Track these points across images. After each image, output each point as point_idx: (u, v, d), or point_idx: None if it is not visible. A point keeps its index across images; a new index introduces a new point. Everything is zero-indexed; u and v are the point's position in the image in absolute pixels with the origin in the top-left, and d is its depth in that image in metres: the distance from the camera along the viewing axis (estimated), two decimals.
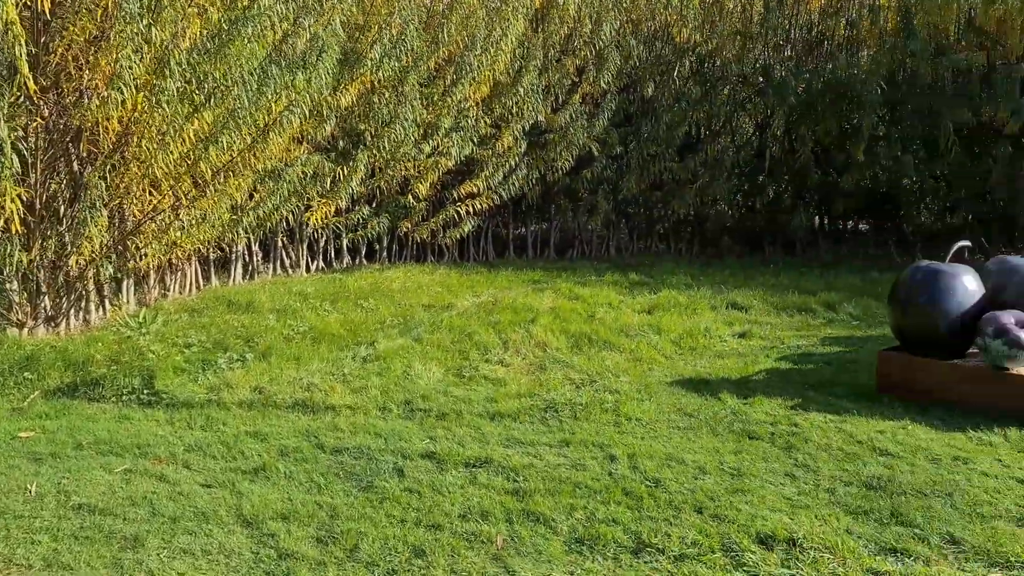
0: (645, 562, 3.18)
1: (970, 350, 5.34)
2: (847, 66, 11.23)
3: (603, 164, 11.00)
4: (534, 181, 10.57)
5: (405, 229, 10.15)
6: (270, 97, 6.90)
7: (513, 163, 10.13)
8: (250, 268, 9.46)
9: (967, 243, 5.82)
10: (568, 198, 11.68)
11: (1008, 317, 4.94)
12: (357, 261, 10.51)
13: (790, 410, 5.08)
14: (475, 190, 10.00)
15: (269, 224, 8.41)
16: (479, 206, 10.08)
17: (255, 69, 6.78)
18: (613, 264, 11.08)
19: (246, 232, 8.18)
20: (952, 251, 5.56)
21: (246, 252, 9.42)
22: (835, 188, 11.90)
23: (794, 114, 11.50)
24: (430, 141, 9.50)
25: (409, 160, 9.46)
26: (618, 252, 12.30)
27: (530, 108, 10.13)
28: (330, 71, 7.59)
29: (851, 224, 13.46)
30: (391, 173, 9.45)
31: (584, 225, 11.64)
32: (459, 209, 10.13)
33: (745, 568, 3.10)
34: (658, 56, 11.42)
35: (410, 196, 9.82)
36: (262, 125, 6.99)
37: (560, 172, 10.65)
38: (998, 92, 10.52)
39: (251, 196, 8.23)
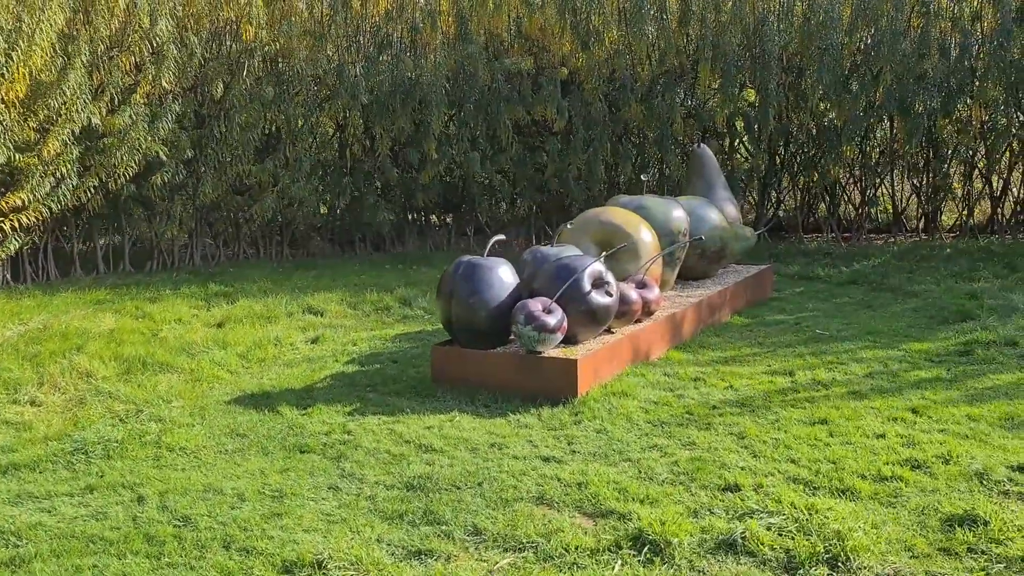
0: None
1: (512, 337, 5.71)
2: (414, 67, 11.63)
3: (174, 169, 10.31)
4: (93, 189, 9.61)
5: None
6: None
7: (65, 171, 9.11)
8: None
9: (502, 237, 6.22)
10: (142, 207, 10.82)
11: (536, 304, 5.34)
12: None
13: (347, 416, 5.07)
14: (20, 202, 8.85)
15: None
16: (26, 220, 8.93)
17: None
18: (195, 275, 10.47)
19: None
20: (488, 246, 5.91)
21: None
22: (415, 184, 12.32)
23: (369, 114, 11.68)
24: None
25: None
26: (204, 261, 11.67)
27: (80, 110, 9.16)
28: None
29: (438, 218, 14.04)
30: None
31: (162, 235, 10.86)
32: (2, 225, 8.90)
33: None
34: (227, 55, 10.95)
35: None
36: None
37: (124, 179, 9.79)
38: (544, 93, 11.54)
39: None
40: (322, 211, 12.80)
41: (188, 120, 10.74)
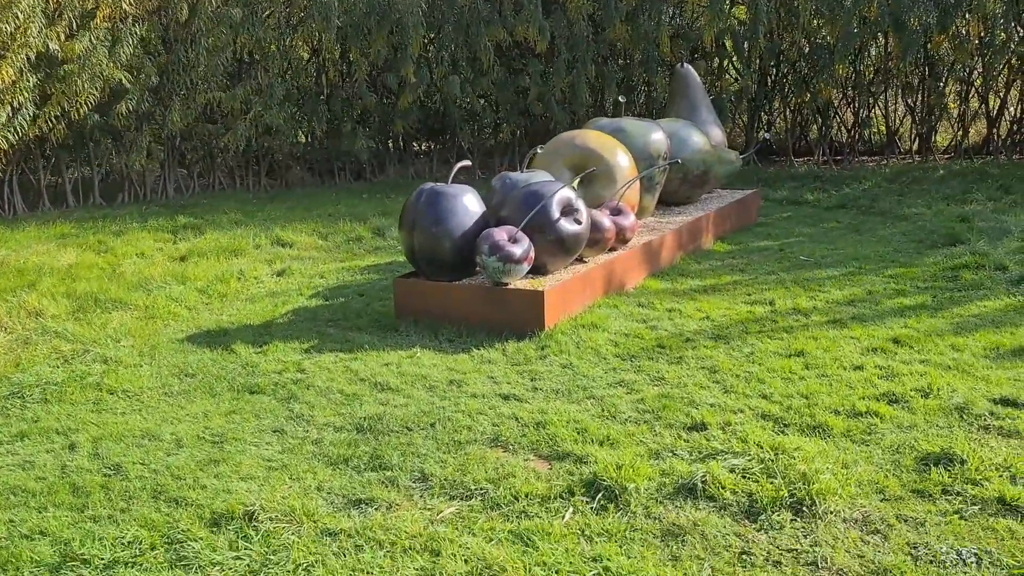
0: None
1: (478, 268, 5.46)
2: None
3: (138, 97, 9.91)
4: (54, 119, 9.24)
5: None
6: None
7: (21, 99, 8.73)
8: None
9: (467, 163, 5.92)
10: (110, 137, 10.45)
11: (501, 233, 5.08)
12: None
13: (303, 353, 4.85)
14: None
15: None
16: None
17: None
18: (166, 207, 10.17)
19: None
20: (453, 172, 5.61)
21: None
22: (393, 110, 11.93)
23: (345, 37, 11.23)
24: None
25: None
26: (177, 193, 11.35)
27: (35, 35, 8.74)
28: None
29: (419, 145, 13.67)
30: None
31: (131, 166, 10.52)
32: None
33: (185, 562, 2.76)
34: None
35: None
36: None
37: (86, 108, 9.41)
38: (525, 13, 11.07)
39: None
40: (300, 139, 12.44)
41: (153, 45, 10.31)
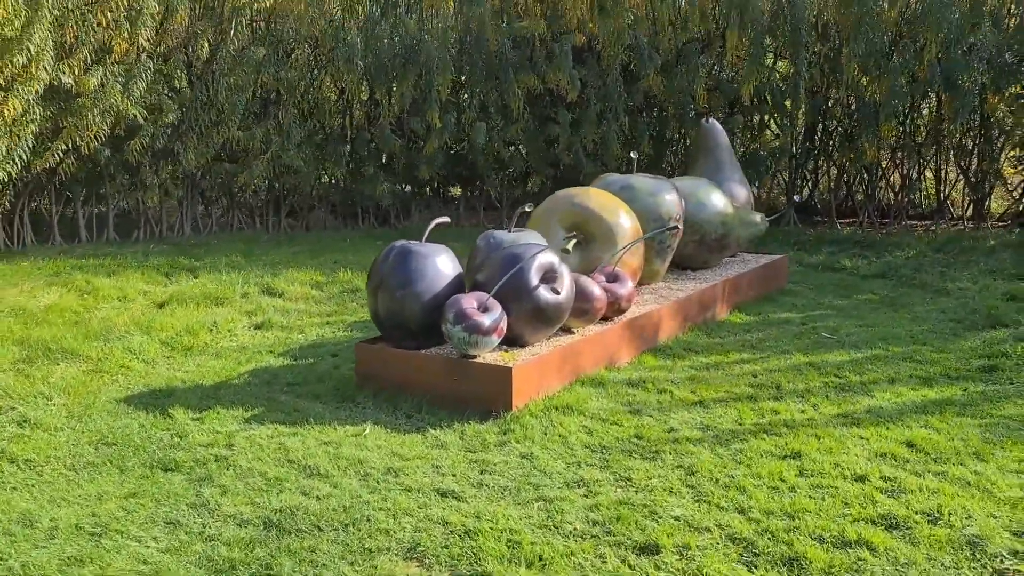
0: None
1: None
2: (418, 29, 10.85)
3: (151, 133, 9.71)
4: (61, 153, 9.06)
5: None
6: None
7: (28, 132, 8.56)
8: None
9: (445, 220, 5.46)
10: (125, 173, 10.27)
11: (469, 301, 4.59)
12: None
13: (242, 424, 4.39)
14: None
15: None
16: None
17: None
18: (175, 246, 9.90)
19: None
20: (428, 230, 5.15)
21: None
22: (418, 155, 11.59)
23: (370, 79, 10.97)
24: None
25: None
26: (194, 231, 11.11)
27: (47, 67, 8.59)
28: None
29: (444, 192, 13.31)
30: None
31: (144, 203, 10.31)
32: None
33: None
34: (211, 11, 10.29)
35: None
36: None
37: (97, 143, 9.22)
38: (557, 60, 10.68)
39: None
40: (323, 180, 12.16)
41: (175, 82, 10.15)
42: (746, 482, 3.70)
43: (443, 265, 4.87)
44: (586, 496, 3.59)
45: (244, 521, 3.36)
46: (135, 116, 9.44)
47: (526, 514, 3.41)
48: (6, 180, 8.59)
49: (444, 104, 11.05)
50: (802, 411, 4.62)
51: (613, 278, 5.49)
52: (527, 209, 5.38)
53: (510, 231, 5.35)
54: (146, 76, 9.37)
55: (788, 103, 10.71)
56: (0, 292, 7.09)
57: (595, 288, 5.15)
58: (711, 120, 7.97)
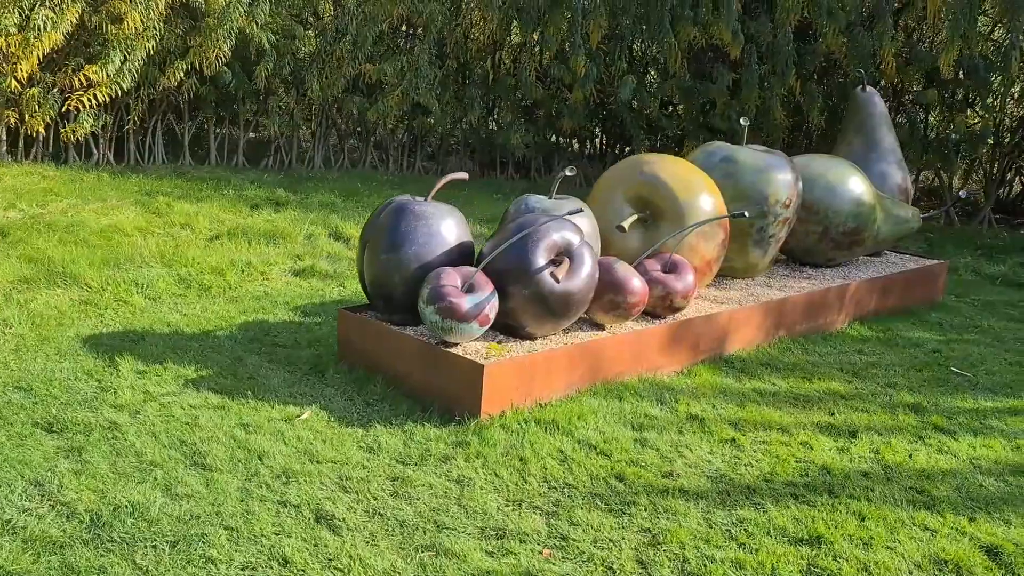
0: None
1: None
2: None
3: (275, 59, 9.40)
4: (183, 73, 8.91)
5: (11, 120, 8.38)
6: None
7: (148, 48, 8.44)
8: None
9: (463, 175, 4.60)
10: (255, 99, 10.08)
11: (452, 277, 3.76)
12: None
13: (180, 386, 3.83)
14: (94, 78, 8.29)
15: None
16: (100, 97, 8.38)
17: None
18: (293, 177, 9.63)
19: None
20: (438, 185, 4.31)
21: None
22: (563, 105, 10.71)
23: (514, 18, 10.15)
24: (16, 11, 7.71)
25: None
26: (325, 165, 10.84)
27: None
28: None
29: (590, 144, 12.33)
30: None
31: (269, 130, 10.11)
32: (82, 99, 8.40)
33: None
34: None
35: (12, 80, 8.04)
36: None
37: (217, 65, 9.01)
38: (723, 10, 9.39)
39: None
40: (465, 125, 11.53)
41: (309, 8, 9.79)
42: (723, 570, 2.70)
43: (445, 230, 4.07)
44: (491, 555, 2.73)
45: (72, 514, 2.77)
46: (260, 40, 9.14)
47: (395, 568, 2.61)
48: (126, 94, 8.53)
49: (593, 53, 10.06)
50: (861, 473, 3.48)
51: (671, 267, 4.47)
52: (568, 173, 4.43)
53: (551, 198, 4.45)
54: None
55: (997, 79, 8.90)
56: (80, 206, 6.96)
57: (633, 278, 4.16)
58: (869, 89, 6.57)
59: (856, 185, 5.82)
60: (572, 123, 10.72)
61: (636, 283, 4.17)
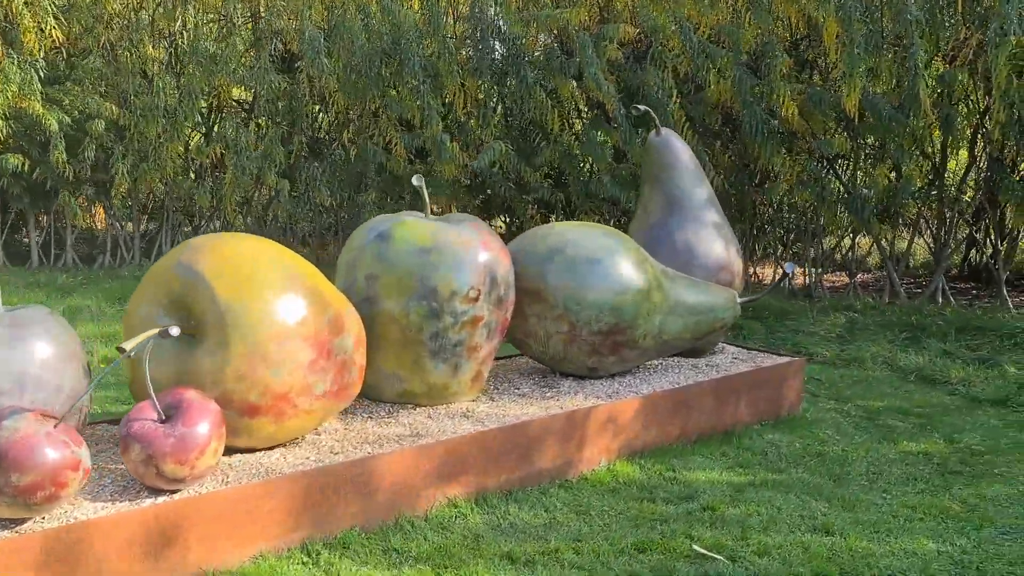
0: None
1: None
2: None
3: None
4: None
5: None
6: None
7: None
8: None
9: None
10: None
11: None
12: None
13: None
14: None
15: None
16: None
17: None
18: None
19: None
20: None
21: None
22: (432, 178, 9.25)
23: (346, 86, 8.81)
24: None
25: None
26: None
27: None
28: None
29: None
30: None
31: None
32: None
33: None
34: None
35: None
36: None
37: None
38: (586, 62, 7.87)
39: None
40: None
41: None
42: None
43: None
44: None
45: None
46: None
47: None
48: None
49: (456, 119, 8.65)
50: None
51: (172, 413, 2.84)
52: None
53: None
54: None
55: (915, 121, 7.11)
56: None
57: (44, 446, 2.53)
58: (664, 132, 4.89)
59: (615, 265, 4.15)
60: (446, 198, 9.25)
61: (48, 453, 2.53)
